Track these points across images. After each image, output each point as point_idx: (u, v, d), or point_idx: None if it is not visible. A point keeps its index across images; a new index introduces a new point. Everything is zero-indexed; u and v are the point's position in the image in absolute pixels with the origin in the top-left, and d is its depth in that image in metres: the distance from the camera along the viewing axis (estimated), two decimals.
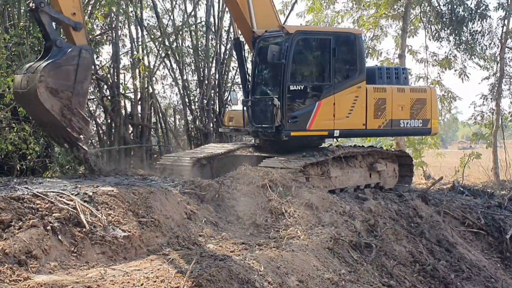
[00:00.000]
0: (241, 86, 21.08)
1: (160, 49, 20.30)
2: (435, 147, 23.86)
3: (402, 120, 13.86)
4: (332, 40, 12.81)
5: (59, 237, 6.85)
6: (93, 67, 9.89)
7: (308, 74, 12.98)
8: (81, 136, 8.77)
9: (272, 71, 13.19)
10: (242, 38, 14.18)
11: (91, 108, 19.96)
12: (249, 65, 14.18)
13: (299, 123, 12.50)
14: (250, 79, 13.51)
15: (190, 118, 20.69)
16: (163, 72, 21.60)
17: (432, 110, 14.37)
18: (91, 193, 7.99)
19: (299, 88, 12.60)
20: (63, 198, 7.62)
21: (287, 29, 12.54)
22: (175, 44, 20.21)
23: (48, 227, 6.81)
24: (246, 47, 14.64)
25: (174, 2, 21.05)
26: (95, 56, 18.70)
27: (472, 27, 21.96)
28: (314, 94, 12.71)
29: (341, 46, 12.94)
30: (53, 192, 7.93)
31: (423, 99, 14.19)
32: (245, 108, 13.35)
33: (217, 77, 20.82)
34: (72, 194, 7.87)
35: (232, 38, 14.03)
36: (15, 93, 9.43)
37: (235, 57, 21.56)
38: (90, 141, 19.06)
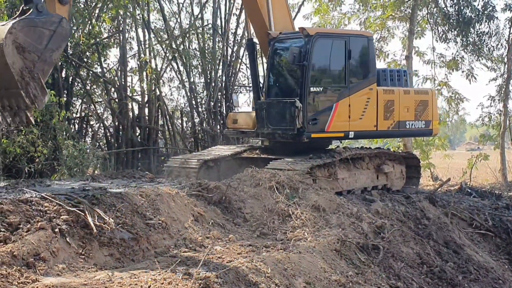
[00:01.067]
0: (246, 88, 21.23)
1: (167, 51, 20.39)
2: (442, 149, 23.81)
3: (408, 121, 14.09)
4: (347, 42, 12.93)
5: (67, 239, 6.87)
6: (67, 43, 8.83)
7: (326, 76, 13.05)
8: (35, 105, 7.74)
9: (289, 72, 13.23)
10: (255, 39, 14.14)
11: (98, 111, 20.06)
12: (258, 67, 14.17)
13: (318, 125, 12.57)
14: (265, 81, 13.44)
15: (197, 120, 20.76)
16: (170, 75, 21.72)
17: (433, 111, 14.72)
18: (98, 196, 8.01)
19: (318, 90, 12.68)
20: (71, 200, 7.66)
21: (307, 31, 12.58)
22: (182, 46, 20.28)
23: (56, 230, 6.83)
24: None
25: (181, 5, 21.18)
26: (101, 59, 18.82)
27: (479, 28, 21.94)
28: (331, 95, 12.82)
29: (355, 48, 13.08)
30: (61, 194, 7.96)
31: (425, 101, 14.50)
32: (258, 110, 13.19)
33: (224, 79, 20.87)
34: (80, 196, 7.90)
35: (246, 39, 14.01)
36: None
37: (243, 59, 21.71)
38: (97, 143, 19.15)
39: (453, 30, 22.03)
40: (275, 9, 13.40)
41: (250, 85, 18.63)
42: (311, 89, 12.48)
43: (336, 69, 13.12)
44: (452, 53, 23.72)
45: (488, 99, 23.51)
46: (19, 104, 7.72)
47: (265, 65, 14.08)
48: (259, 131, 13.21)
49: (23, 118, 8.01)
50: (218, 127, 20.33)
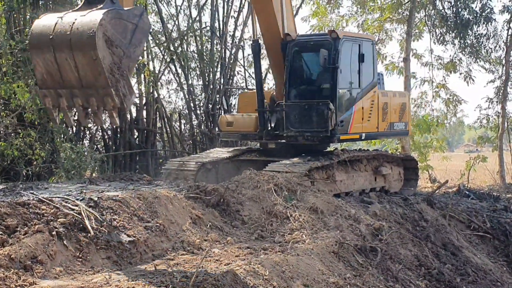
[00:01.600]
0: (245, 90, 21.21)
1: (165, 54, 20.37)
2: (440, 151, 23.83)
3: (395, 122, 14.51)
4: (361, 46, 13.10)
5: (65, 242, 6.86)
6: (147, 39, 7.60)
7: (348, 78, 13.10)
8: (124, 105, 6.88)
9: (313, 74, 13.37)
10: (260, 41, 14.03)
11: None
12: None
13: (344, 127, 12.71)
14: (285, 83, 13.10)
15: (195, 122, 20.76)
16: (168, 77, 21.71)
17: (409, 113, 15.41)
18: (96, 198, 8.00)
19: (344, 92, 12.84)
20: (69, 203, 7.64)
21: (337, 33, 12.62)
22: (180, 49, 20.28)
23: (54, 233, 6.82)
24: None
25: (179, 7, 21.16)
26: None
27: (477, 30, 22.00)
28: (352, 98, 12.99)
29: (365, 51, 13.23)
30: (58, 197, 7.96)
31: (405, 103, 14.99)
32: (278, 111, 13.00)
33: (222, 82, 20.86)
34: (77, 199, 7.89)
35: (251, 41, 13.88)
36: (35, 38, 7.06)
37: (241, 61, 21.71)
38: (95, 146, 19.13)
39: (451, 32, 22.08)
40: (287, 11, 13.37)
41: (249, 87, 18.62)
42: (340, 91, 12.57)
43: (354, 71, 13.19)
44: (450, 55, 23.82)
45: (486, 101, 23.60)
46: (105, 104, 6.83)
47: (267, 67, 13.95)
48: (281, 133, 12.93)
49: (100, 119, 7.14)
50: (216, 129, 20.32)
